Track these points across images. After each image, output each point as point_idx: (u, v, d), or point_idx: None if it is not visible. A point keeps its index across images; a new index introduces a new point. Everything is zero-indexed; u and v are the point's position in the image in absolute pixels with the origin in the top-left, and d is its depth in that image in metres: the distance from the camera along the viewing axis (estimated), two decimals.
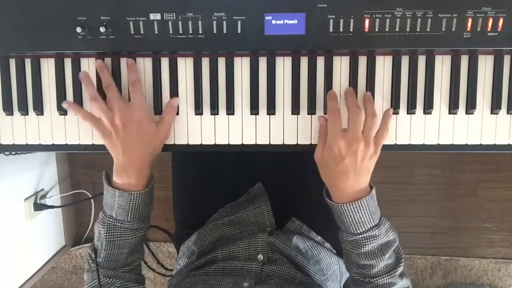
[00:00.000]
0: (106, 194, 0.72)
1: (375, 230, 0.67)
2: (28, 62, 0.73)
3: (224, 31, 0.68)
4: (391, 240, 0.69)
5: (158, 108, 0.73)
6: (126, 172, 0.69)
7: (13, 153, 1.00)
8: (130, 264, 0.76)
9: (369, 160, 0.67)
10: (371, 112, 0.68)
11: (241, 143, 0.73)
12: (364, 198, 0.66)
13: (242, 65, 0.72)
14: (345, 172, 0.66)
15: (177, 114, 0.73)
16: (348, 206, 0.66)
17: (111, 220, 0.71)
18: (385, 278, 0.68)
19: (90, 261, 0.75)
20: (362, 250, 0.68)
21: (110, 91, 0.69)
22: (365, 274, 0.70)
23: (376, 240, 0.67)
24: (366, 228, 0.67)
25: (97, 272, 0.72)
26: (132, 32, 0.69)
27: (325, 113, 0.72)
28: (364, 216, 0.66)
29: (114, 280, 0.73)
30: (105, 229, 0.71)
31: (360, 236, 0.67)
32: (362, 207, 0.66)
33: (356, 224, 0.67)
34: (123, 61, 0.72)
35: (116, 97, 0.68)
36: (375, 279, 0.68)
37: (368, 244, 0.67)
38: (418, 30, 0.67)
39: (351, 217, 0.66)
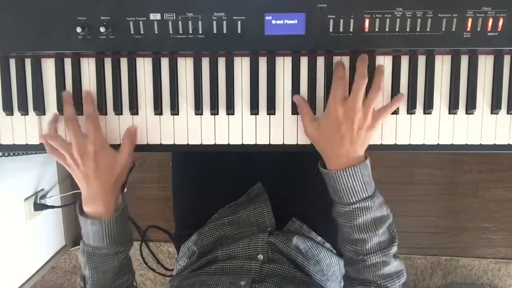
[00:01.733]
0: (81, 224, 0.74)
1: (368, 201, 0.67)
2: (28, 62, 0.73)
3: (224, 31, 0.68)
4: (384, 215, 0.68)
5: (158, 108, 0.73)
6: (93, 201, 0.71)
7: (11, 154, 1.00)
8: (119, 287, 0.77)
9: (366, 131, 0.67)
10: (377, 84, 0.68)
11: (241, 143, 0.74)
12: (357, 165, 0.66)
13: (242, 65, 0.72)
14: (340, 138, 0.66)
15: (177, 114, 0.73)
16: (342, 173, 0.66)
17: (89, 248, 0.73)
18: (378, 256, 0.67)
19: None
20: (355, 223, 0.67)
21: (70, 125, 0.70)
22: (358, 251, 0.68)
23: (369, 212, 0.67)
24: (359, 198, 0.66)
25: None
26: (132, 32, 0.69)
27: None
28: (357, 184, 0.66)
29: None
30: (86, 257, 0.74)
31: (353, 206, 0.67)
32: (356, 174, 0.66)
33: (349, 193, 0.67)
34: (123, 61, 0.72)
35: (74, 132, 0.70)
36: (368, 256, 0.67)
37: (361, 216, 0.67)
38: (418, 30, 0.67)
39: (344, 184, 0.66)
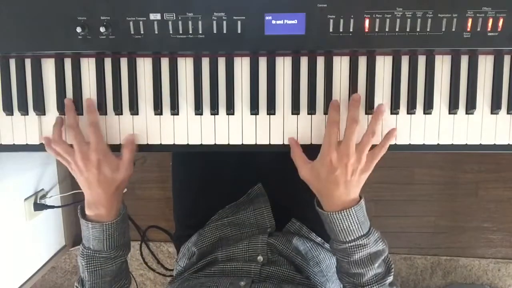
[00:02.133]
0: (82, 227, 0.75)
1: (363, 239, 0.68)
2: (28, 62, 0.73)
3: (224, 31, 0.68)
4: (380, 250, 0.70)
5: (158, 108, 0.73)
6: (95, 206, 0.72)
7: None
8: None
9: (360, 175, 0.68)
10: (372, 129, 0.68)
11: (241, 143, 0.73)
12: (352, 208, 0.67)
13: (242, 65, 0.72)
14: (335, 182, 0.67)
15: (177, 114, 0.73)
16: (337, 215, 0.67)
17: (89, 251, 0.74)
18: (374, 287, 0.69)
19: None
20: (352, 259, 0.69)
21: (72, 133, 0.71)
22: (355, 283, 0.71)
23: (365, 249, 0.68)
24: (355, 237, 0.68)
25: None
26: (132, 32, 0.69)
27: (325, 114, 0.72)
28: (352, 224, 0.67)
29: None
30: (85, 260, 0.74)
31: (349, 244, 0.68)
32: (351, 216, 0.67)
33: (345, 233, 0.68)
34: (123, 61, 0.72)
35: (76, 139, 0.70)
36: None
37: (357, 253, 0.68)
38: (418, 30, 0.67)
39: (340, 225, 0.68)
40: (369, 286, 0.69)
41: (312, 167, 0.69)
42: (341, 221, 0.67)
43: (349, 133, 0.67)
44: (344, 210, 0.67)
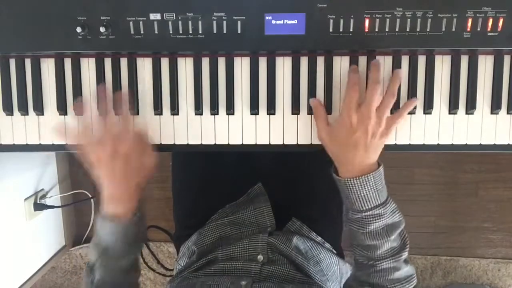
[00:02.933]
0: (96, 222, 0.73)
1: (380, 208, 0.66)
2: (28, 62, 0.73)
3: (224, 31, 0.68)
4: (396, 222, 0.68)
5: (158, 108, 0.73)
6: (114, 202, 0.70)
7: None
8: (125, 284, 0.76)
9: (380, 138, 0.66)
10: (392, 91, 0.67)
11: (241, 143, 0.73)
12: (371, 174, 0.66)
13: (242, 65, 0.72)
14: (354, 145, 0.66)
15: (177, 114, 0.73)
16: (355, 181, 0.66)
17: (101, 246, 0.72)
18: (389, 262, 0.68)
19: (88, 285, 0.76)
20: (368, 229, 0.67)
21: (102, 122, 0.69)
22: (369, 256, 0.69)
23: (381, 219, 0.67)
24: (372, 206, 0.66)
25: None
26: (132, 32, 0.69)
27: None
28: (370, 192, 0.66)
29: None
30: (97, 254, 0.72)
31: (366, 213, 0.67)
32: (369, 182, 0.66)
33: (362, 201, 0.66)
34: (123, 61, 0.72)
35: (108, 129, 0.69)
36: (379, 262, 0.68)
37: (373, 223, 0.67)
38: (418, 30, 0.67)
39: (357, 192, 0.66)
40: (383, 260, 0.68)
41: (331, 129, 0.68)
42: (359, 187, 0.66)
43: (371, 95, 0.66)
44: (362, 176, 0.66)
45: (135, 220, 0.72)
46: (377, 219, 0.67)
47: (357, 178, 0.66)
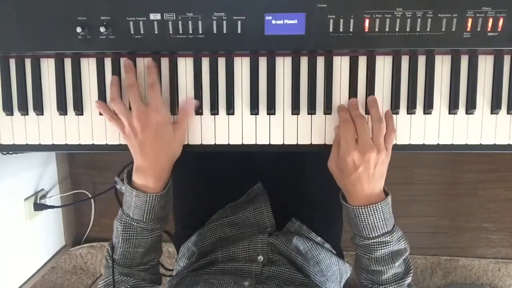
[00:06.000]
0: (125, 192, 0.72)
1: (387, 236, 0.68)
2: (28, 62, 0.73)
3: (224, 31, 0.68)
4: (402, 249, 0.70)
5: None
6: (144, 174, 0.69)
7: (10, 152, 1.00)
8: (146, 263, 0.76)
9: (382, 165, 0.68)
10: (377, 117, 0.69)
11: (241, 143, 0.73)
12: (379, 203, 0.67)
13: (242, 65, 0.72)
14: (359, 179, 0.67)
15: (177, 114, 0.73)
16: (363, 210, 0.67)
17: (127, 218, 0.72)
18: (393, 286, 0.69)
19: (107, 257, 0.75)
20: (373, 255, 0.69)
21: (132, 92, 0.69)
22: (374, 280, 0.71)
23: (387, 247, 0.68)
24: (379, 233, 0.68)
25: (112, 269, 0.72)
26: (132, 32, 0.69)
27: (325, 114, 0.72)
28: (378, 221, 0.67)
29: (128, 278, 0.73)
30: (122, 226, 0.72)
31: (373, 241, 0.68)
32: (376, 211, 0.67)
33: (369, 228, 0.68)
34: (123, 61, 0.72)
35: (136, 99, 0.68)
36: (383, 286, 0.70)
37: (379, 250, 0.68)
38: (418, 30, 0.67)
39: (365, 220, 0.67)
40: (388, 285, 0.69)
41: (339, 162, 0.69)
42: (367, 216, 0.67)
43: (362, 129, 0.67)
44: (370, 205, 0.67)
45: (163, 195, 0.71)
46: (383, 247, 0.68)
47: (365, 207, 0.67)
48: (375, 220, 0.67)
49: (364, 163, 0.66)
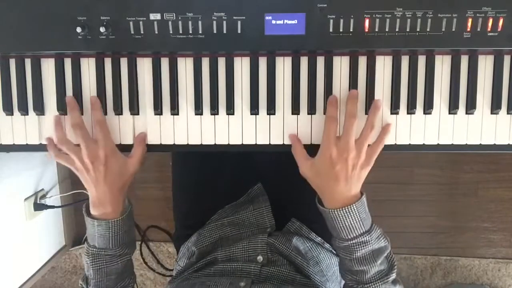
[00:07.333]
0: (87, 225, 0.75)
1: (366, 236, 0.68)
2: (28, 62, 0.73)
3: (224, 31, 0.68)
4: (382, 247, 0.70)
5: (158, 108, 0.73)
6: (101, 205, 0.72)
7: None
8: None
9: (360, 170, 0.68)
10: (371, 123, 0.69)
11: (241, 143, 0.73)
12: (354, 204, 0.67)
13: (242, 65, 0.72)
14: (335, 178, 0.67)
15: (177, 114, 0.73)
16: (338, 212, 0.67)
17: (94, 249, 0.74)
18: (377, 284, 0.69)
19: None
20: (354, 256, 0.69)
21: (78, 131, 0.70)
22: (358, 280, 0.71)
23: (367, 246, 0.68)
24: (357, 234, 0.68)
25: None
26: (132, 32, 0.69)
27: (325, 114, 0.72)
28: (354, 221, 0.67)
29: None
30: (90, 259, 0.74)
31: (352, 241, 0.68)
32: (352, 212, 0.67)
33: (347, 230, 0.68)
34: (123, 61, 0.72)
35: (84, 137, 0.70)
36: (368, 285, 0.70)
37: (359, 250, 0.68)
38: (418, 30, 0.67)
39: (341, 222, 0.68)
40: (372, 284, 0.69)
41: (312, 164, 0.69)
42: (343, 218, 0.67)
43: (348, 128, 0.67)
44: (346, 207, 0.67)
45: (124, 219, 0.74)
46: (363, 246, 0.68)
47: (341, 209, 0.67)
48: (351, 221, 0.67)
49: (342, 162, 0.66)
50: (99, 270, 0.74)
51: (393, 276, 0.70)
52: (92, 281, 0.75)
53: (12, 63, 0.73)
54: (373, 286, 0.69)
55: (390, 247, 0.71)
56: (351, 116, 0.68)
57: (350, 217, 0.67)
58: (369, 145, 0.69)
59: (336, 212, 0.67)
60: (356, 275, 0.71)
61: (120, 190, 0.72)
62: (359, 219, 0.68)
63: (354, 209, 0.67)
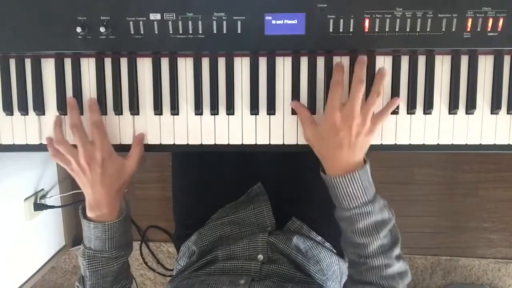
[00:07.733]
0: (83, 226, 0.74)
1: (368, 206, 0.66)
2: (28, 62, 0.73)
3: (224, 31, 0.68)
4: (386, 219, 0.68)
5: (158, 108, 0.73)
6: (97, 207, 0.72)
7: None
8: None
9: (365, 137, 0.67)
10: (377, 90, 0.68)
11: (241, 143, 0.73)
12: (356, 171, 0.66)
13: (242, 65, 0.72)
14: (339, 144, 0.66)
15: (177, 114, 0.73)
16: (341, 178, 0.66)
17: (90, 251, 0.74)
18: (380, 259, 0.67)
19: None
20: (356, 227, 0.67)
21: (76, 132, 0.70)
22: (360, 254, 0.68)
23: (369, 217, 0.66)
24: (359, 203, 0.66)
25: None
26: (132, 32, 0.69)
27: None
28: (357, 189, 0.66)
29: None
30: (86, 260, 0.74)
31: (353, 211, 0.66)
32: (355, 180, 0.66)
33: (349, 198, 0.66)
34: (123, 61, 0.72)
35: (81, 139, 0.70)
36: (370, 259, 0.68)
37: (361, 220, 0.66)
38: (418, 30, 0.67)
39: (343, 190, 0.66)
40: (374, 258, 0.67)
41: (316, 129, 0.68)
42: (345, 185, 0.66)
43: (355, 94, 0.66)
44: (348, 174, 0.65)
45: (120, 221, 0.74)
46: (365, 217, 0.66)
47: (343, 175, 0.66)
48: (354, 189, 0.66)
49: (346, 128, 0.65)
50: (95, 272, 0.74)
51: (397, 251, 0.68)
52: (88, 283, 0.75)
53: (12, 63, 0.73)
54: (375, 259, 0.67)
55: (394, 220, 0.69)
56: (358, 81, 0.67)
57: (352, 184, 0.65)
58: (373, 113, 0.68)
59: (338, 179, 0.66)
60: (358, 247, 0.68)
61: (117, 192, 0.72)
62: (362, 187, 0.66)
63: (357, 176, 0.65)
